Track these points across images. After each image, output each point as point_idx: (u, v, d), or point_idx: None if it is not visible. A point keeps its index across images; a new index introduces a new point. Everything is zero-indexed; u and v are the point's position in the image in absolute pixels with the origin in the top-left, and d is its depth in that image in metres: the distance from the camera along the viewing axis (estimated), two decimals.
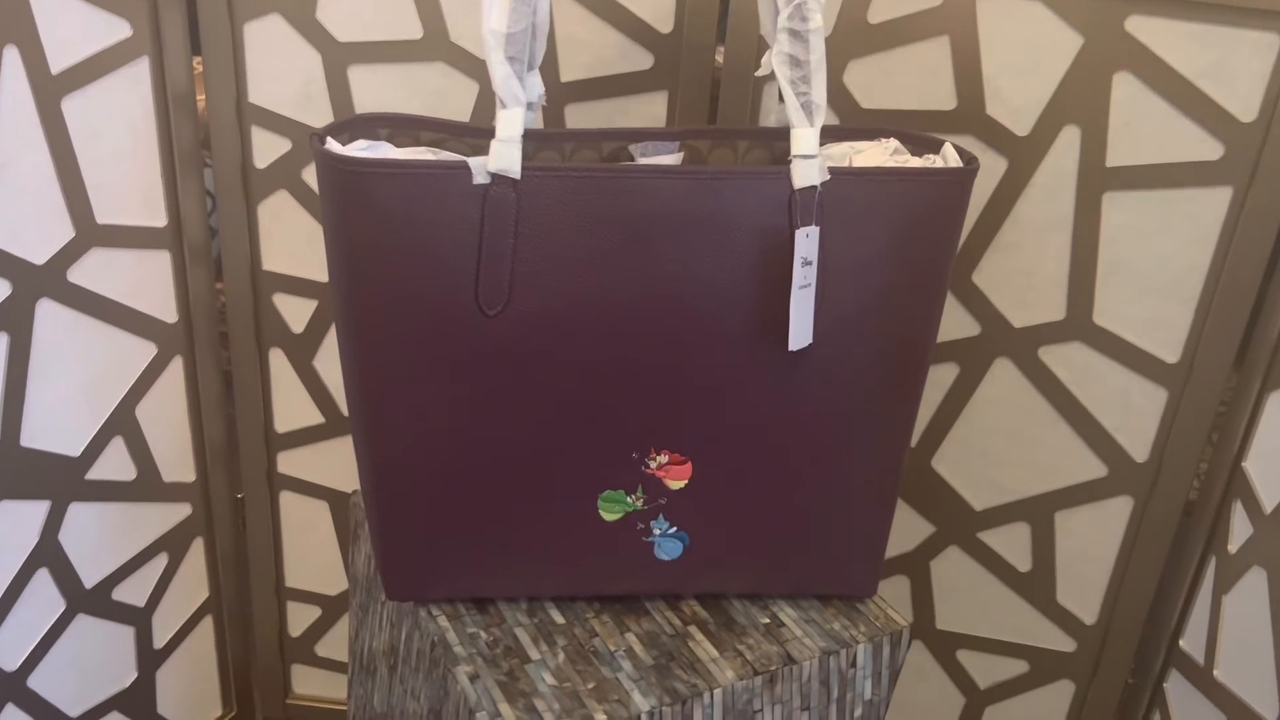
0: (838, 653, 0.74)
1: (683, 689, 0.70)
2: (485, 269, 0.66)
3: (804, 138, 0.68)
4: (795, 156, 0.67)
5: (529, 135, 0.74)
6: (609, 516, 0.73)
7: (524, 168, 0.65)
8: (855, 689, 0.76)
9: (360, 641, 0.87)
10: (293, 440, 1.12)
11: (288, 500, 1.16)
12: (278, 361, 1.09)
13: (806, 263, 0.68)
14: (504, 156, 0.65)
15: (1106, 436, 0.95)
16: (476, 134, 0.73)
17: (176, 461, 1.09)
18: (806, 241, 0.68)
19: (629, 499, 0.73)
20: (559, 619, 0.76)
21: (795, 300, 0.68)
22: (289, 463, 1.14)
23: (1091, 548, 0.99)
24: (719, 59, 0.91)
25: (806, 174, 0.68)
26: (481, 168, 0.65)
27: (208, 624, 1.19)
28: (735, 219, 0.68)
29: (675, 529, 0.74)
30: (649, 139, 0.76)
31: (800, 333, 0.69)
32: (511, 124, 0.65)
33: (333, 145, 0.67)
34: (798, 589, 0.78)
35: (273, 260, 1.05)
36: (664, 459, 0.72)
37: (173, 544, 1.11)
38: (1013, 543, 1.02)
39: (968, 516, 1.02)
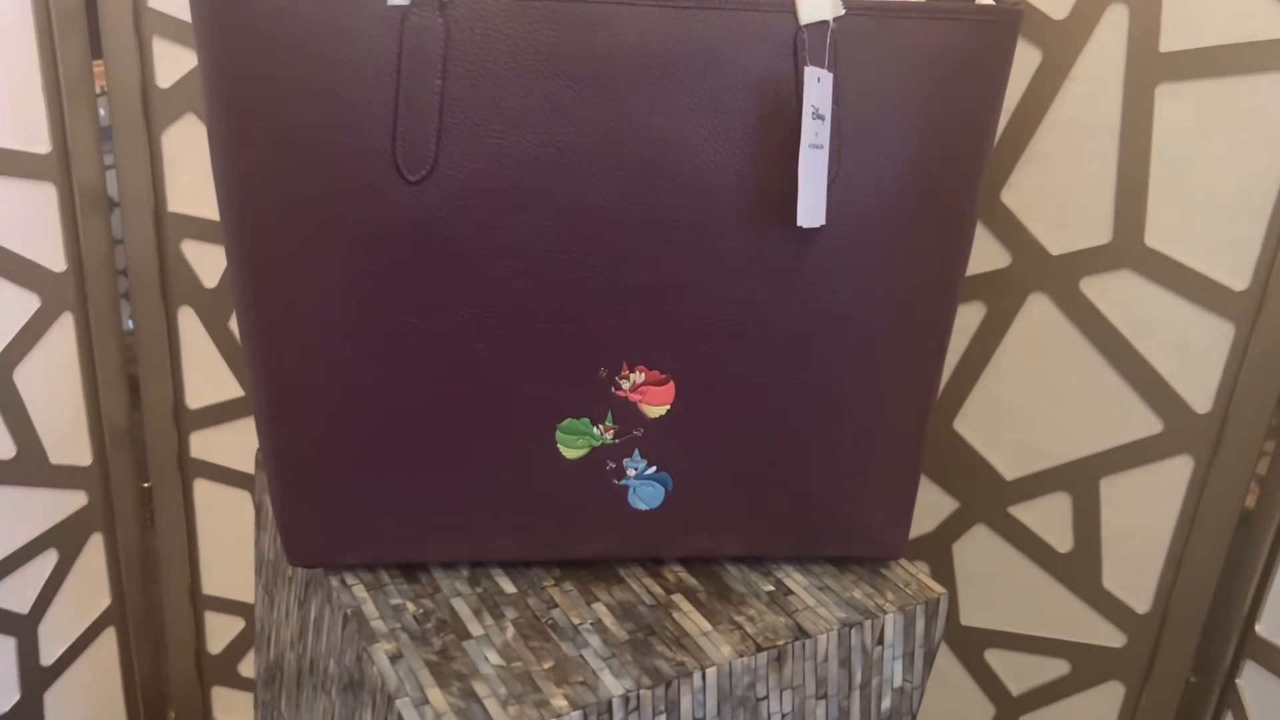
0: (860, 624, 0.59)
1: (666, 668, 0.54)
2: (405, 120, 0.51)
3: None
4: None
5: None
6: (570, 453, 0.58)
7: None
8: (883, 673, 0.61)
9: (265, 635, 0.71)
10: (207, 418, 0.97)
11: (203, 490, 1.00)
12: (188, 322, 0.94)
13: (818, 115, 0.53)
14: None
15: (1161, 384, 0.80)
16: None
17: (68, 441, 0.92)
18: (818, 87, 0.53)
19: (596, 430, 0.58)
20: (509, 588, 0.60)
21: (804, 163, 0.53)
22: (204, 445, 0.98)
23: (1144, 520, 0.84)
24: None
25: (815, 6, 0.53)
26: None
27: (109, 637, 1.01)
28: (727, 63, 0.53)
29: (654, 469, 0.59)
30: None
31: (811, 206, 0.54)
32: None
33: None
34: (808, 549, 0.63)
35: (180, 200, 0.90)
36: (640, 377, 0.57)
37: (64, 539, 0.94)
38: (1051, 518, 0.87)
39: (996, 488, 0.87)
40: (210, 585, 1.03)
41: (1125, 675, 0.89)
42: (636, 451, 0.58)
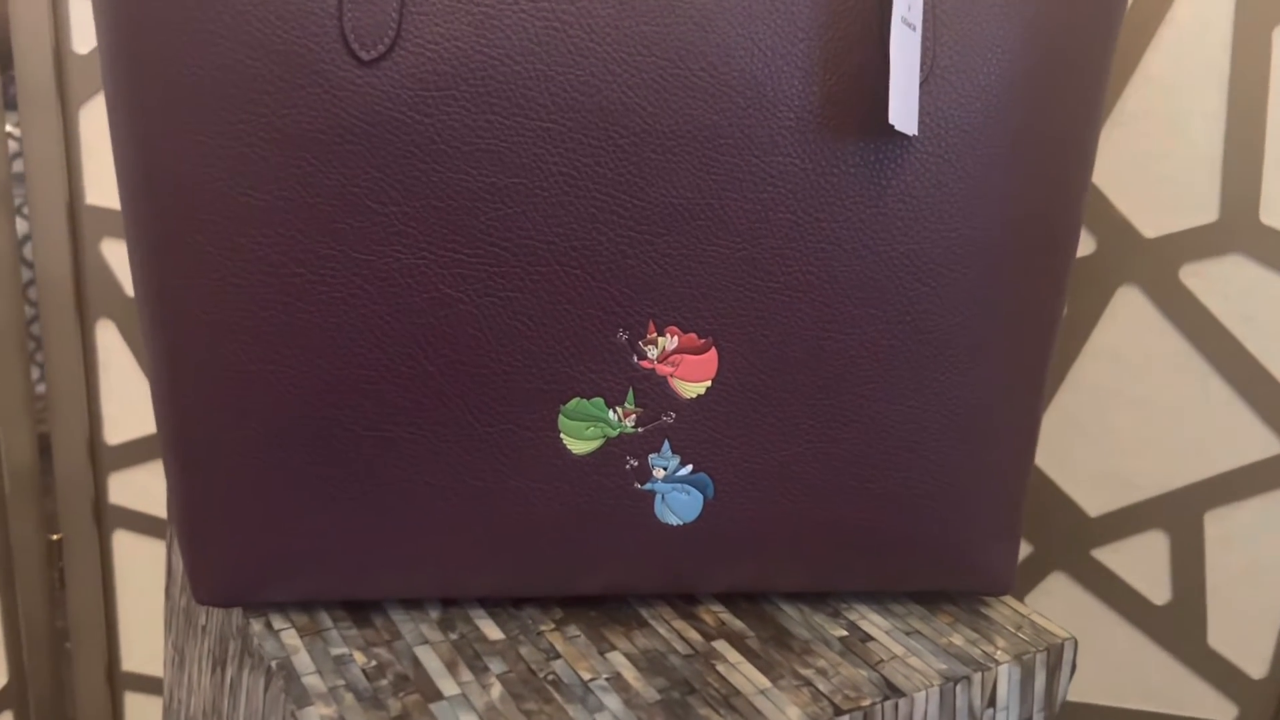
0: (967, 679, 0.44)
1: None
2: None
3: None
4: None
5: None
6: (578, 447, 0.43)
7: None
8: None
9: (174, 708, 0.55)
10: (130, 455, 0.82)
11: (124, 543, 0.85)
12: (108, 338, 0.79)
13: None
14: None
15: (1279, 393, 0.67)
16: None
17: None
18: None
19: (612, 414, 0.43)
20: (494, 634, 0.44)
21: (897, 41, 0.40)
22: (125, 489, 0.83)
23: (1259, 563, 0.70)
24: None
25: None
26: None
27: None
28: None
29: (690, 468, 0.44)
30: None
31: (904, 102, 0.40)
32: None
33: None
34: (890, 581, 0.48)
35: (99, 191, 0.76)
36: (671, 342, 0.42)
37: None
38: (1144, 562, 0.73)
39: (1079, 526, 0.74)
40: (131, 660, 0.88)
41: None
42: (666, 445, 0.43)
